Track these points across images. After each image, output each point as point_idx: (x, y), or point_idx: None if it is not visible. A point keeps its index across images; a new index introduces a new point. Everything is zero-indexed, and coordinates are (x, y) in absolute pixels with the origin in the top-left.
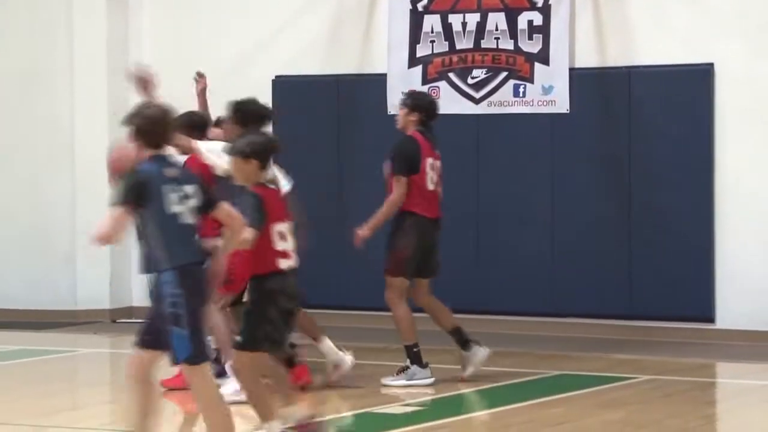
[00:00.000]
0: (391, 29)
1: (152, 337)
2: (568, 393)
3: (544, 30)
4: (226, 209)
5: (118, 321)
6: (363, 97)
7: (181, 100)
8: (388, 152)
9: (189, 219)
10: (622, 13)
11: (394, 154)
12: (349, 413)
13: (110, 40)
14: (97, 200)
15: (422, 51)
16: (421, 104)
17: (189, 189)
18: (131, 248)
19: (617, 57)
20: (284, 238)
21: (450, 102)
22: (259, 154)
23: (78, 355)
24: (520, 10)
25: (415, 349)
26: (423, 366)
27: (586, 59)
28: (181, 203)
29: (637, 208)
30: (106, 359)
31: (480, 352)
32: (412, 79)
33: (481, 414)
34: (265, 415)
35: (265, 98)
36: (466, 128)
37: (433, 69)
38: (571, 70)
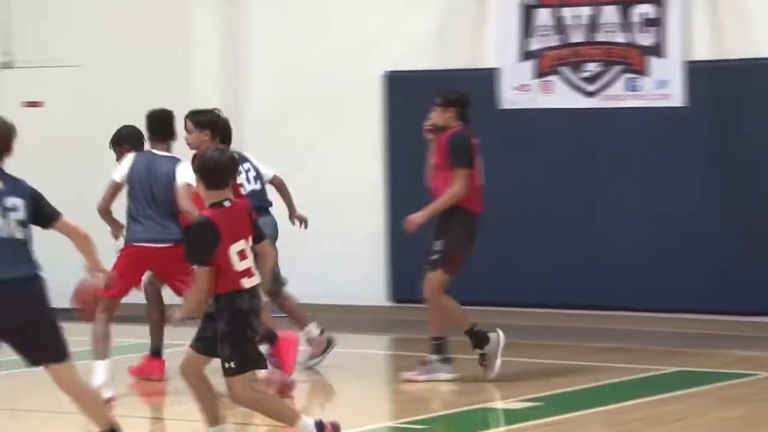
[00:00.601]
0: (500, 23)
1: None
2: (686, 390)
3: (659, 22)
4: (65, 223)
5: None
6: (473, 93)
7: (290, 96)
8: (444, 145)
9: (11, 233)
10: (741, 3)
11: (451, 147)
12: (466, 408)
13: (224, 35)
14: None
15: (534, 45)
16: (451, 98)
17: (13, 202)
18: None
19: (735, 49)
20: (244, 256)
21: (563, 96)
22: (205, 172)
23: None
24: (633, 3)
25: (439, 342)
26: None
27: (703, 51)
28: (4, 216)
29: (758, 203)
30: None
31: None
32: (524, 74)
33: (598, 410)
34: (290, 419)
35: (375, 94)
36: (579, 123)
37: (545, 63)
38: (687, 63)
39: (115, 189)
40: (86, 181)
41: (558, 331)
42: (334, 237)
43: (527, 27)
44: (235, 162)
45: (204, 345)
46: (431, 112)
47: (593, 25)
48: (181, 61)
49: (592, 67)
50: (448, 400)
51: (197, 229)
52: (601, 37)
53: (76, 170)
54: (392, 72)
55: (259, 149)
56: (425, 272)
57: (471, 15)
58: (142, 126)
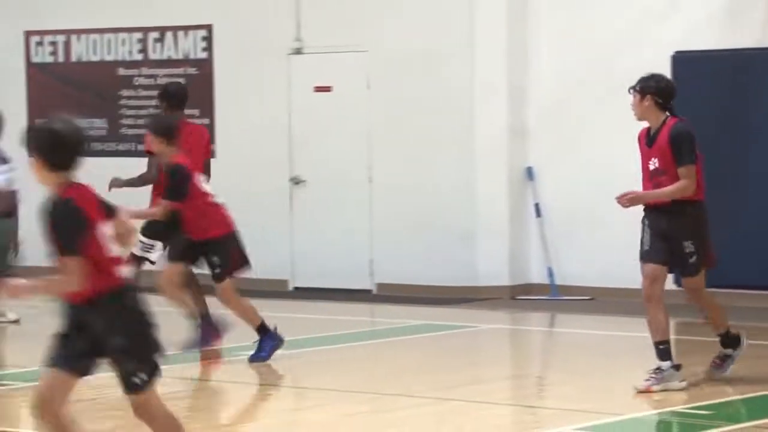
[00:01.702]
0: None
1: None
2: None
3: None
4: None
5: (517, 298)
6: (763, 72)
7: (574, 78)
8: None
9: None
10: None
11: (678, 142)
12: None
13: (508, 19)
14: (494, 180)
15: None
16: (647, 87)
17: None
18: (529, 225)
19: None
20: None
21: None
22: (41, 150)
23: (479, 330)
24: None
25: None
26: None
27: None
28: None
29: None
30: (506, 335)
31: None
32: None
33: None
34: None
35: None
36: None
37: None
38: None
39: None
40: (376, 164)
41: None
42: (620, 218)
43: None
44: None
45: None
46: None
47: None
48: (465, 46)
49: None
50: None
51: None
52: None
53: (364, 154)
54: (680, 52)
55: (541, 131)
56: (684, 276)
57: None
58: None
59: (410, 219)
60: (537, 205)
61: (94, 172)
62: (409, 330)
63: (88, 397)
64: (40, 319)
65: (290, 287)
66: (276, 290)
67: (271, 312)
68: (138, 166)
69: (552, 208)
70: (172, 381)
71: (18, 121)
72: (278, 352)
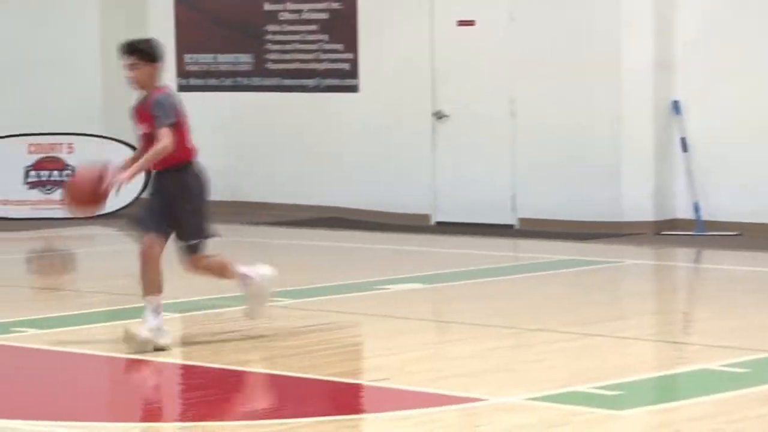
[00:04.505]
0: None
1: None
2: None
3: None
4: None
5: (662, 233)
6: None
7: (722, 1)
8: None
9: None
10: None
11: None
12: None
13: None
14: (639, 114)
15: None
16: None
17: None
18: (674, 160)
19: None
20: None
21: None
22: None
23: (623, 265)
24: None
25: None
26: None
27: None
28: None
29: None
30: (651, 271)
31: None
32: None
33: None
34: None
35: None
36: None
37: None
38: None
39: None
40: (519, 98)
41: None
42: None
43: None
44: None
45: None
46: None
47: None
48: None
49: None
50: None
51: None
52: None
53: (507, 88)
54: None
55: (688, 63)
56: None
57: None
58: None
59: (553, 154)
60: (683, 140)
61: (240, 109)
62: (552, 265)
63: (235, 328)
64: None
65: (432, 222)
66: (417, 225)
67: (412, 246)
68: (283, 100)
69: (699, 143)
70: (312, 314)
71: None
72: (420, 286)
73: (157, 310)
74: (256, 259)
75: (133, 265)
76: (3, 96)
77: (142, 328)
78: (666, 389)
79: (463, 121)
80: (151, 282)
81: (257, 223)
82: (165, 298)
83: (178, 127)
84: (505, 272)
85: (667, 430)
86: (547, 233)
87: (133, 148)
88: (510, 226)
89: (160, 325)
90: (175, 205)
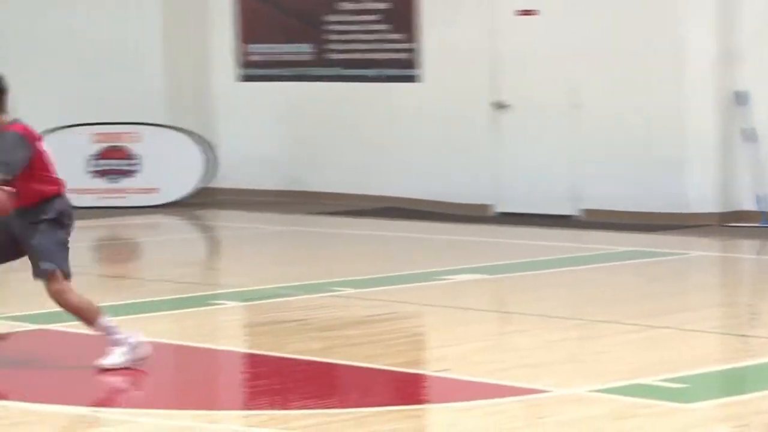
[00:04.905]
0: None
1: None
2: None
3: None
4: None
5: (727, 225)
6: None
7: None
8: None
9: None
10: None
11: None
12: None
13: None
14: (703, 105)
15: None
16: None
17: None
18: (739, 151)
19: None
20: None
21: None
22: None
23: (688, 257)
24: None
25: None
26: None
27: None
28: None
29: None
30: (716, 262)
31: None
32: None
33: None
34: None
35: None
36: None
37: None
38: None
39: None
40: (581, 89)
41: None
42: None
43: None
44: None
45: None
46: None
47: None
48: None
49: None
50: None
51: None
52: None
53: (569, 79)
54: None
55: (752, 53)
56: None
57: None
58: None
59: (616, 144)
60: (749, 130)
61: (301, 99)
62: (616, 256)
63: (299, 317)
64: None
65: (493, 212)
66: (478, 215)
67: (473, 236)
68: (345, 90)
69: (764, 133)
70: (374, 304)
71: (225, 46)
72: (482, 276)
73: (110, 332)
74: (320, 246)
75: (197, 253)
76: (68, 86)
77: (112, 358)
78: (732, 382)
79: (525, 111)
80: (86, 311)
81: (318, 213)
82: (230, 287)
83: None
84: (569, 263)
85: (734, 423)
86: (609, 224)
87: (197, 137)
88: (573, 217)
89: (125, 342)
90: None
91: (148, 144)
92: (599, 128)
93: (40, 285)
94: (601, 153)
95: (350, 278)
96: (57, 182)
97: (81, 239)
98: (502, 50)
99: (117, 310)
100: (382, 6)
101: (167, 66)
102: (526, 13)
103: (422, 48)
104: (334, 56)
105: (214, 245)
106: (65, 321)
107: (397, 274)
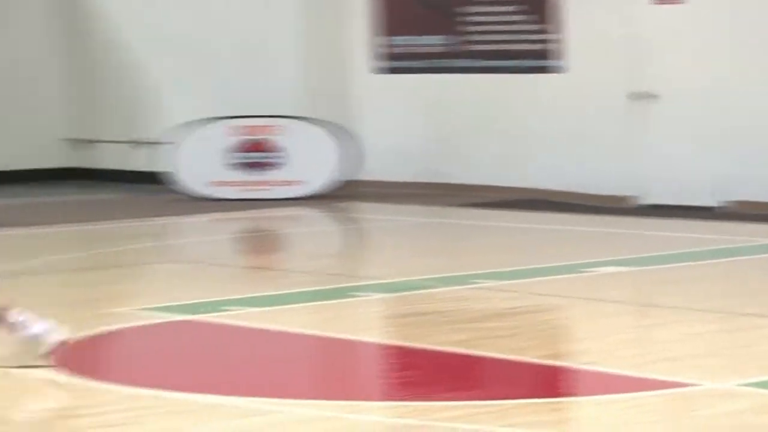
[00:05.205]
0: None
1: None
2: None
3: None
4: None
5: None
6: None
7: None
8: None
9: None
10: None
11: None
12: None
13: None
14: None
15: None
16: None
17: None
18: None
19: None
20: None
21: None
22: None
23: None
24: None
25: None
26: None
27: None
28: None
29: None
30: None
31: None
32: None
33: None
34: None
35: None
36: None
37: None
38: None
39: None
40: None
41: None
42: None
43: None
44: None
45: None
46: None
47: None
48: None
49: None
50: None
51: None
52: None
53: (715, 69)
54: None
55: None
56: None
57: None
58: None
59: (763, 135)
60: None
61: (440, 90)
62: (762, 249)
63: (441, 309)
64: None
65: (637, 204)
66: (620, 206)
67: (615, 228)
68: (484, 81)
69: None
70: (516, 296)
71: (362, 38)
72: (625, 269)
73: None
74: (461, 238)
75: (339, 245)
76: (209, 80)
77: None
78: None
79: (669, 101)
80: None
81: (459, 205)
82: (371, 279)
83: None
84: (711, 255)
85: None
86: (755, 215)
87: (340, 129)
88: (717, 209)
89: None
90: None
91: (290, 137)
92: (744, 119)
93: (181, 276)
94: (747, 144)
95: (491, 270)
96: None
97: (224, 231)
98: (648, 39)
99: (260, 302)
100: None
101: (307, 58)
102: (670, 1)
103: (565, 38)
104: (474, 47)
105: (355, 237)
106: (210, 311)
107: (539, 266)
